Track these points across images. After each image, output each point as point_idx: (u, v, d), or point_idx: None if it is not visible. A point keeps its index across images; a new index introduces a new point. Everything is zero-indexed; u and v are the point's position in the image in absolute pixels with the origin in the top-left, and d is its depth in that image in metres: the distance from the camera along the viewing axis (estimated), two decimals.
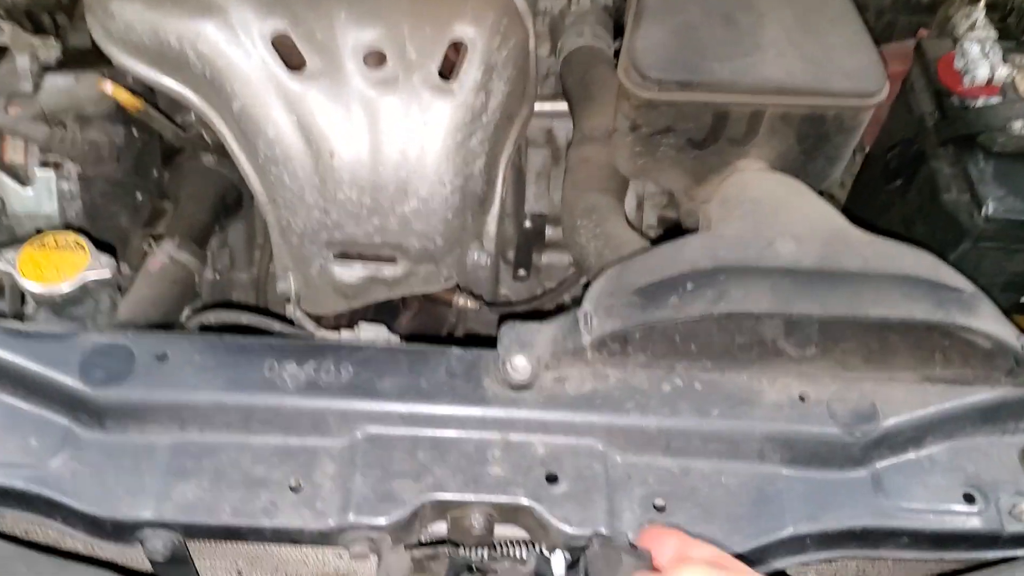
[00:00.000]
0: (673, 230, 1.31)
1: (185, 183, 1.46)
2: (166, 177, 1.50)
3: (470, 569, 0.86)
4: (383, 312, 1.44)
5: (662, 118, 1.12)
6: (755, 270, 0.93)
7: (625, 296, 0.95)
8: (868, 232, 1.01)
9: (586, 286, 1.01)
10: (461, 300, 1.43)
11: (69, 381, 0.90)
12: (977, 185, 1.19)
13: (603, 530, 0.85)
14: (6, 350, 0.91)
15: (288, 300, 1.32)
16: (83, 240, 0.98)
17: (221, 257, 1.63)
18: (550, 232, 1.58)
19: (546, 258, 1.60)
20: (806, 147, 1.13)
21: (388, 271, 1.27)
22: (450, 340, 0.99)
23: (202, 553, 0.93)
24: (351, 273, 1.27)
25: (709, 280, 0.93)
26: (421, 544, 0.88)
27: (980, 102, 1.27)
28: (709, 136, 1.12)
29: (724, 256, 0.95)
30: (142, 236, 1.38)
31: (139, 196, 1.38)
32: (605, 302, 0.96)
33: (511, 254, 1.59)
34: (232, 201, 1.50)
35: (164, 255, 1.32)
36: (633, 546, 0.83)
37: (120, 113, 1.29)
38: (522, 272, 1.60)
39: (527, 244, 1.56)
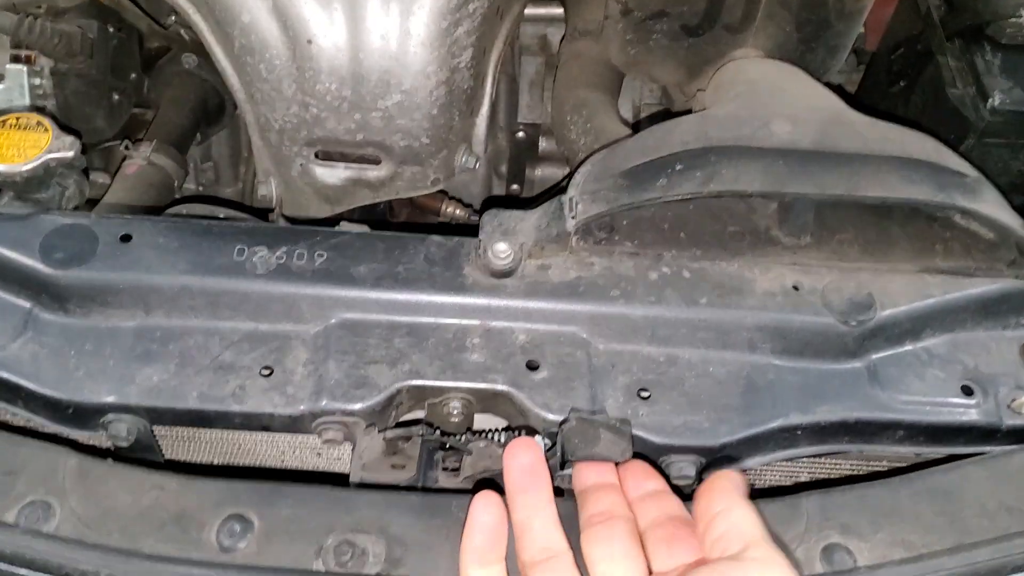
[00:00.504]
0: (662, 115, 1.26)
1: (166, 89, 1.42)
2: (147, 84, 1.45)
3: (444, 448, 0.82)
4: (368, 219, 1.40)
5: (655, 0, 1.06)
6: (748, 150, 0.89)
7: (611, 179, 0.90)
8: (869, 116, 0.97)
9: (572, 173, 0.96)
10: (449, 208, 1.39)
11: (29, 261, 0.87)
12: (984, 77, 1.14)
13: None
14: None
15: (271, 207, 1.28)
16: (46, 120, 0.93)
17: (205, 171, 1.59)
18: (544, 144, 1.53)
19: (540, 172, 1.55)
20: (805, 35, 1.08)
21: (372, 173, 1.22)
22: (429, 228, 0.95)
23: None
24: (333, 175, 1.22)
25: (700, 160, 0.88)
26: (395, 426, 0.84)
27: None
28: (704, 21, 1.06)
29: (716, 136, 0.90)
30: (120, 140, 1.33)
31: (116, 97, 1.34)
32: (591, 187, 0.91)
33: (504, 168, 1.54)
34: (214, 108, 1.46)
35: (141, 158, 1.28)
36: (613, 422, 0.79)
37: (93, 7, 1.24)
38: (515, 187, 1.55)
39: (520, 157, 1.52)
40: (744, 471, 0.91)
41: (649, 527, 0.71)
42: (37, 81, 1.22)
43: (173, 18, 1.40)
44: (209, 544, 0.69)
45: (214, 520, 0.71)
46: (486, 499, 0.69)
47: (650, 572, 0.68)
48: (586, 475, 0.75)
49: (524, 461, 0.72)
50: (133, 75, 1.39)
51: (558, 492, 0.83)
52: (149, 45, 1.44)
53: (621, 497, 0.73)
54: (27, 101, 1.22)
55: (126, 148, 1.29)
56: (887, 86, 1.36)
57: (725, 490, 0.71)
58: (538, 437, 0.85)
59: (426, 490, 0.80)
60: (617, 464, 0.77)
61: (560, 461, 0.77)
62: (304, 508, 0.72)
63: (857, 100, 1.00)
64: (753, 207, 0.94)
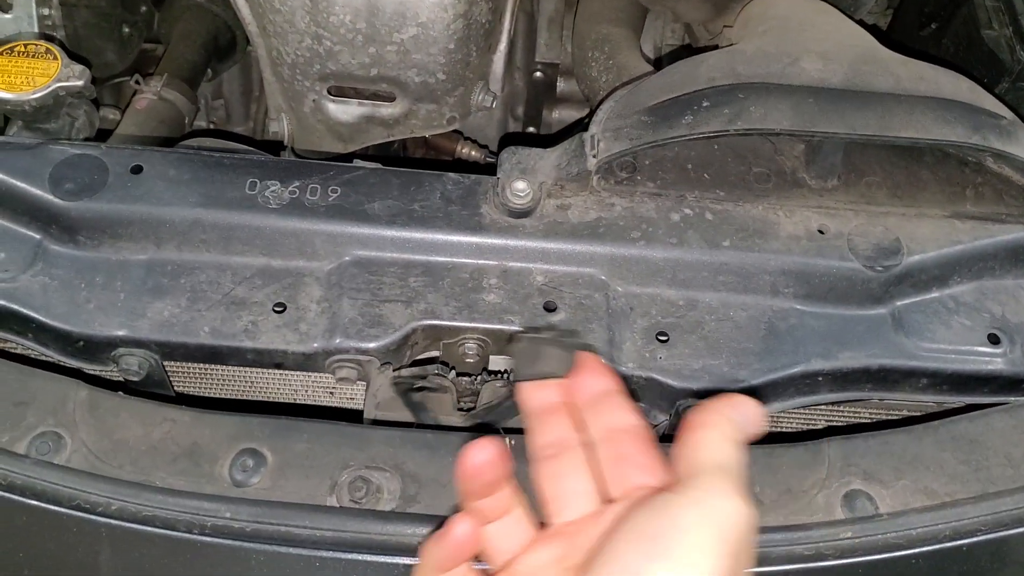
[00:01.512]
0: (686, 53, 1.23)
1: (176, 23, 1.39)
2: (157, 18, 1.42)
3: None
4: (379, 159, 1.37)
5: None
6: (777, 87, 0.86)
7: (635, 117, 0.88)
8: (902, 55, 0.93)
9: (594, 110, 0.94)
10: (465, 149, 1.36)
11: (38, 192, 0.85)
12: (1021, 17, 1.10)
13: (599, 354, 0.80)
14: None
15: (283, 144, 1.26)
16: (55, 48, 0.91)
17: (217, 109, 1.56)
18: (562, 85, 1.49)
19: (557, 114, 1.51)
20: None
21: (386, 110, 1.19)
22: (445, 168, 0.92)
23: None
24: (347, 111, 1.19)
25: (727, 97, 0.85)
26: (410, 366, 0.83)
27: None
28: None
29: (744, 72, 0.87)
30: (131, 75, 1.30)
31: (126, 30, 1.31)
32: (613, 124, 0.89)
33: (520, 110, 1.51)
34: (226, 43, 1.42)
35: (152, 93, 1.26)
36: (559, 337, 0.76)
37: None
38: (532, 129, 1.52)
39: (537, 98, 1.48)
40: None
41: (599, 443, 0.62)
42: (46, 11, 1.19)
43: None
44: (221, 478, 0.68)
45: (227, 454, 0.70)
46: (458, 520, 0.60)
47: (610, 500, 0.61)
48: (532, 399, 0.66)
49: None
50: (143, 8, 1.36)
51: None
52: None
53: (567, 420, 0.65)
54: (36, 31, 1.19)
55: (136, 83, 1.26)
56: (918, 28, 1.32)
57: (711, 409, 0.60)
58: None
59: (440, 428, 0.79)
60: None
61: (508, 392, 0.75)
62: (318, 444, 0.71)
63: (888, 41, 0.97)
64: (780, 147, 0.91)
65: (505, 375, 0.84)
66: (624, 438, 0.62)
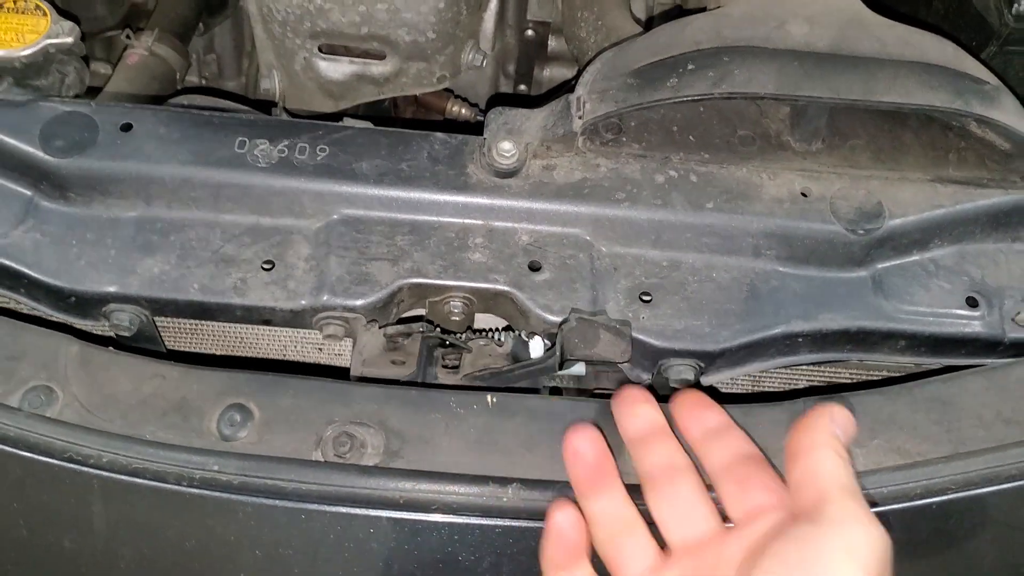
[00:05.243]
0: (675, 14, 1.23)
1: None
2: None
3: (444, 345, 0.82)
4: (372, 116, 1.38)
5: None
6: (762, 51, 0.86)
7: (621, 79, 0.88)
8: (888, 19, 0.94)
9: (581, 72, 0.94)
10: (455, 107, 1.36)
11: (29, 148, 0.85)
12: None
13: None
14: None
15: (274, 101, 1.26)
16: (44, 4, 0.91)
17: (208, 64, 1.56)
18: (553, 43, 1.49)
19: (548, 72, 1.51)
20: None
21: (377, 68, 1.20)
22: (434, 126, 0.93)
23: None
24: (337, 69, 1.20)
25: (712, 60, 0.86)
26: (396, 323, 0.84)
27: None
28: None
29: (730, 35, 0.87)
30: (122, 30, 1.30)
31: None
32: (599, 86, 0.89)
33: (511, 68, 1.51)
34: None
35: (143, 48, 1.26)
36: (613, 323, 0.79)
37: None
38: (523, 88, 1.52)
39: (528, 56, 1.48)
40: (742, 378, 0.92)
41: (718, 470, 0.65)
42: None
43: None
44: (209, 432, 0.70)
45: (215, 409, 0.71)
46: (561, 507, 0.65)
47: (725, 519, 0.64)
48: (631, 422, 0.69)
49: (589, 459, 0.67)
50: None
51: (556, 391, 0.84)
52: None
53: (675, 442, 0.67)
54: None
55: (127, 37, 1.26)
56: None
57: (814, 428, 0.63)
58: (537, 338, 0.85)
59: (425, 385, 0.80)
60: (668, 398, 0.73)
61: (560, 361, 0.77)
62: (304, 400, 0.72)
63: (878, 3, 0.97)
64: (765, 111, 0.92)
65: (491, 333, 0.86)
66: (743, 462, 0.65)
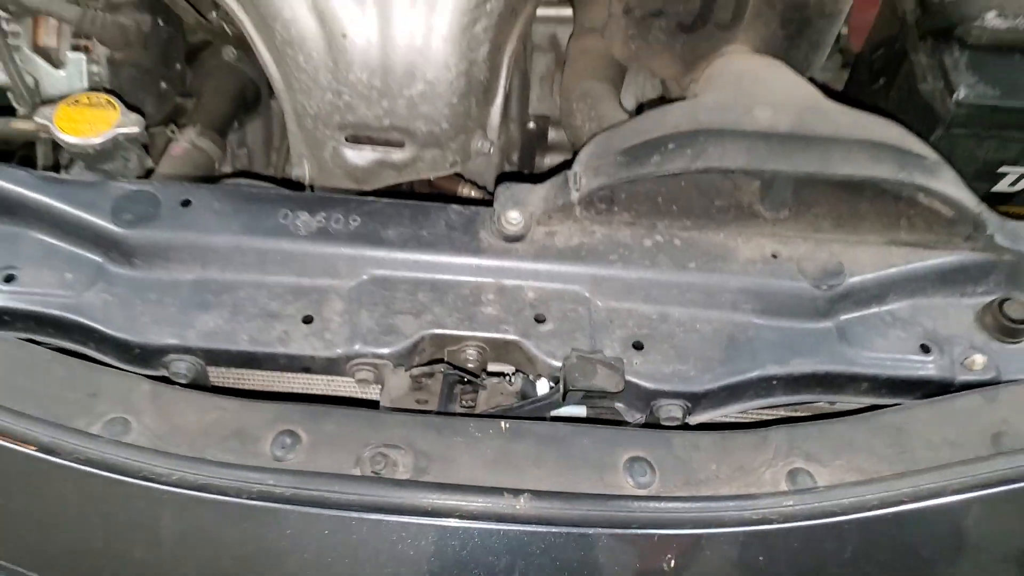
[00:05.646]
0: (659, 103, 1.38)
1: (207, 79, 1.54)
2: (189, 76, 1.58)
3: (462, 382, 0.94)
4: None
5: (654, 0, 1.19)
6: (733, 132, 1.01)
7: (612, 156, 1.03)
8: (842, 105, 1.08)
9: (577, 152, 1.08)
10: (465, 190, 1.50)
11: (101, 222, 0.99)
12: (951, 73, 1.26)
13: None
14: (45, 195, 1.00)
15: (304, 186, 1.40)
16: (114, 99, 1.06)
17: (240, 156, 1.71)
18: (554, 134, 1.65)
19: (548, 160, 1.67)
20: (790, 32, 1.20)
21: (396, 155, 1.34)
22: (449, 201, 1.07)
23: None
24: (361, 156, 1.34)
25: (689, 140, 1.00)
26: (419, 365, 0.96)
27: None
28: (698, 19, 1.19)
29: (704, 120, 1.02)
30: (166, 125, 1.46)
31: (163, 85, 1.46)
32: (593, 163, 1.04)
33: (515, 156, 1.66)
34: (251, 97, 1.58)
35: (187, 141, 1.41)
36: (608, 360, 0.91)
37: (146, 2, 1.36)
38: (526, 171, 1.67)
39: (530, 145, 1.64)
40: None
41: None
42: (95, 68, 1.34)
43: (215, 14, 1.53)
44: (264, 454, 0.81)
45: (268, 435, 0.83)
46: None
47: None
48: None
49: None
50: (179, 66, 1.51)
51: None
52: (191, 39, 1.57)
53: None
54: (86, 86, 1.34)
55: (172, 132, 1.41)
56: (869, 83, 1.48)
57: None
58: (543, 379, 0.97)
59: (447, 414, 0.92)
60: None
61: (563, 393, 0.89)
62: (344, 426, 0.84)
63: (843, 95, 1.12)
64: (738, 184, 1.06)
65: (506, 377, 0.97)
66: None
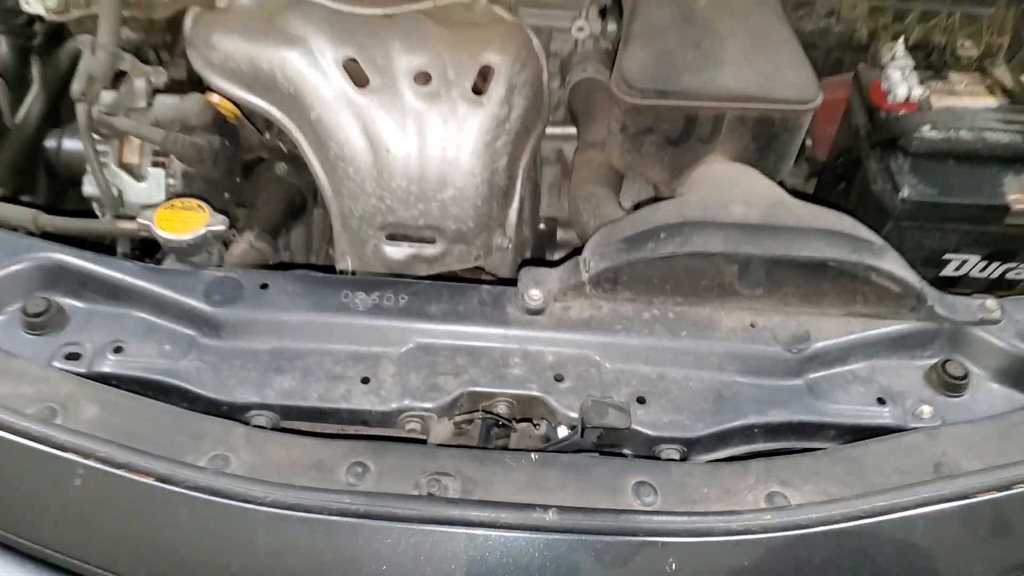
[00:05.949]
0: (651, 202, 1.61)
1: (261, 189, 1.78)
2: (247, 187, 1.81)
3: (497, 425, 1.13)
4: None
5: (645, 120, 1.43)
6: (713, 223, 1.23)
7: (615, 244, 1.25)
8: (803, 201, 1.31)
9: (586, 242, 1.30)
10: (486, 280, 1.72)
11: (195, 303, 1.20)
12: (896, 176, 1.50)
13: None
14: (148, 281, 1.21)
15: None
16: (203, 204, 1.28)
17: (284, 257, 1.93)
18: (561, 234, 1.88)
19: (558, 256, 1.90)
20: (760, 144, 1.44)
21: (429, 250, 1.56)
22: (481, 281, 1.27)
23: None
24: (398, 251, 1.56)
25: (678, 230, 1.22)
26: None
27: (901, 114, 1.58)
28: (682, 135, 1.43)
29: (689, 214, 1.24)
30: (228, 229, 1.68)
31: (226, 195, 1.69)
32: (599, 249, 1.26)
33: (528, 253, 1.89)
34: (299, 205, 1.81)
35: (245, 242, 1.63)
36: (617, 403, 1.10)
37: (215, 125, 1.61)
38: (543, 260, 1.89)
39: (541, 244, 1.87)
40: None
41: None
42: (171, 181, 1.57)
43: (267, 135, 1.77)
44: (340, 481, 1.00)
45: (342, 465, 1.01)
46: None
47: None
48: None
49: None
50: (238, 179, 1.75)
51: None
52: (246, 156, 1.81)
53: None
54: (163, 196, 1.57)
55: (233, 235, 1.63)
56: (833, 187, 1.72)
57: None
58: (563, 427, 1.16)
59: (487, 448, 1.11)
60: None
61: (580, 431, 1.08)
62: (404, 457, 1.03)
63: (810, 196, 1.35)
64: (719, 267, 1.27)
65: (533, 423, 1.17)
66: None
